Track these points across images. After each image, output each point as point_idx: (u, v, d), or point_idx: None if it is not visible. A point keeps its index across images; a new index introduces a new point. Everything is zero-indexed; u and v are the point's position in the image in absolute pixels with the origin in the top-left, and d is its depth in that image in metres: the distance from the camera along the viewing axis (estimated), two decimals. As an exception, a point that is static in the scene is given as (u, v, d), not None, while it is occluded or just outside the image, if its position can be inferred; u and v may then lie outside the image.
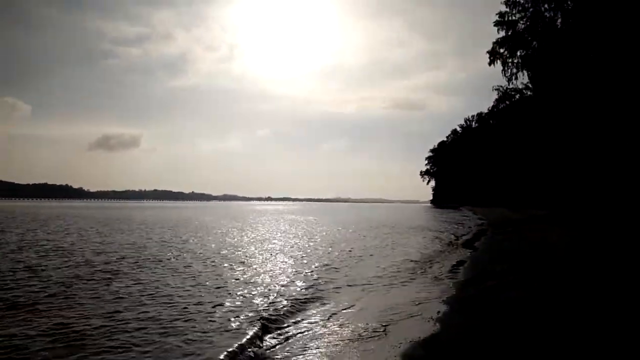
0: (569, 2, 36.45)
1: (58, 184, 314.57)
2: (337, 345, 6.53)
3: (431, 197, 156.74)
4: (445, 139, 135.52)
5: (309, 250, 18.64)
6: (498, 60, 42.38)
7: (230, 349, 6.19)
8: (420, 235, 27.78)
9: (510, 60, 41.96)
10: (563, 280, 9.82)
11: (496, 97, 53.18)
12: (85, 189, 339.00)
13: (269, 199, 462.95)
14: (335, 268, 13.91)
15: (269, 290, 10.35)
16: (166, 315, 7.96)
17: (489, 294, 9.24)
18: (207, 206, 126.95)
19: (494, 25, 41.43)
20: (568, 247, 15.96)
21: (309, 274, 12.77)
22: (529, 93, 45.53)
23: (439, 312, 8.03)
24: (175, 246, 19.05)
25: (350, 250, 18.73)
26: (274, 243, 21.72)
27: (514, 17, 40.40)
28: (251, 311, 8.32)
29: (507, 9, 40.35)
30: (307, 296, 9.84)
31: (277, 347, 6.56)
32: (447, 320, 7.46)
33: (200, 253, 16.94)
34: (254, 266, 14.00)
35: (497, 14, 41.02)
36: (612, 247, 15.20)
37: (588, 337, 5.83)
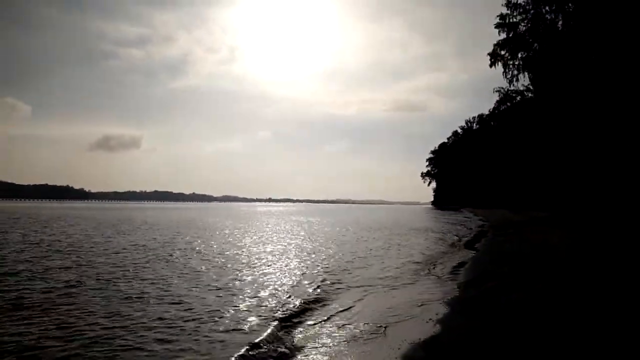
0: (570, 4, 36.49)
1: (58, 184, 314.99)
2: (337, 345, 6.56)
3: (432, 199, 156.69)
4: (446, 141, 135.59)
5: (313, 251, 18.71)
6: (499, 62, 42.40)
7: (239, 351, 6.26)
8: (423, 236, 27.84)
9: (511, 62, 41.99)
10: (564, 282, 9.83)
11: (497, 98, 53.19)
12: (86, 190, 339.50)
13: (270, 200, 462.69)
14: (340, 269, 13.98)
15: (276, 291, 10.41)
16: (176, 315, 8.03)
17: (490, 295, 9.26)
18: (208, 207, 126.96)
19: (495, 27, 41.49)
20: (569, 250, 15.96)
21: (314, 274, 12.87)
22: (530, 95, 45.52)
23: (440, 313, 8.06)
24: (182, 247, 19.13)
25: (354, 252, 18.80)
26: (280, 244, 21.79)
27: (514, 19, 40.42)
28: (257, 311, 8.38)
29: (508, 11, 40.39)
30: (311, 296, 9.89)
31: (278, 346, 6.60)
32: (447, 321, 7.49)
33: (207, 254, 17.05)
34: (261, 267, 14.08)
35: (497, 16, 41.08)
36: (613, 249, 15.20)
37: (589, 339, 5.85)
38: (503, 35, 41.42)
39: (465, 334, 6.69)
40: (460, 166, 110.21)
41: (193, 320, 7.73)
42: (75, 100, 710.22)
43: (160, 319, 7.77)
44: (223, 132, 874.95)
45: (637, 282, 9.31)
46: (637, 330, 6.10)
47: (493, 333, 6.44)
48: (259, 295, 9.89)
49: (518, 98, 48.62)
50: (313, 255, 17.26)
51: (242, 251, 18.31)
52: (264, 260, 15.63)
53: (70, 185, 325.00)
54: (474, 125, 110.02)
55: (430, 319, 7.63)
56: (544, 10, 38.65)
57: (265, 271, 13.23)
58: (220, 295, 9.82)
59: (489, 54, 42.88)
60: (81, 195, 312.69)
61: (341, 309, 8.86)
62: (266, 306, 8.83)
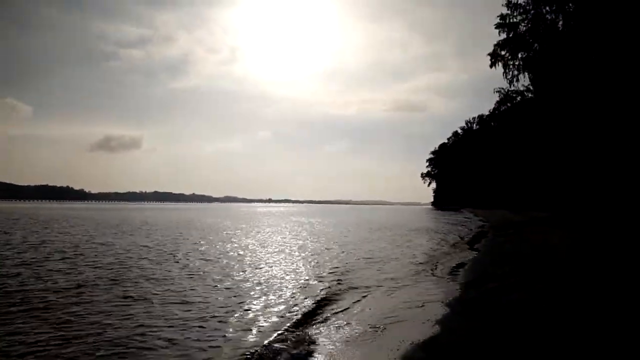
0: (570, 4, 36.47)
1: (59, 185, 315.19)
2: (337, 345, 6.52)
3: (432, 199, 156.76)
4: (446, 141, 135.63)
5: (315, 252, 18.76)
6: (499, 63, 42.40)
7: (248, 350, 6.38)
8: (425, 237, 27.86)
9: (511, 62, 41.99)
10: (565, 283, 9.79)
11: (497, 99, 53.23)
12: (86, 191, 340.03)
13: (270, 200, 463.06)
14: (342, 269, 14.00)
15: (278, 292, 10.45)
16: (183, 316, 8.10)
17: (491, 296, 9.22)
18: (209, 208, 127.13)
19: (495, 28, 41.49)
20: (569, 250, 15.92)
21: (317, 275, 12.96)
22: (530, 95, 45.52)
23: (440, 314, 8.01)
24: (186, 249, 19.17)
25: (356, 252, 18.88)
26: (282, 245, 21.84)
27: (515, 20, 40.42)
28: (258, 314, 8.43)
29: (508, 11, 40.39)
30: (312, 297, 9.88)
31: (278, 347, 6.57)
32: (448, 322, 7.44)
33: (210, 255, 17.15)
34: (266, 268, 14.11)
35: (498, 16, 41.09)
36: (613, 249, 15.16)
37: (589, 340, 5.81)
38: (503, 36, 41.48)
39: (465, 335, 6.65)
40: (460, 167, 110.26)
41: (201, 319, 7.85)
42: (76, 101, 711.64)
43: (165, 319, 7.86)
44: (223, 133, 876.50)
45: (637, 282, 9.27)
46: (638, 330, 6.06)
47: (493, 334, 6.40)
48: (258, 298, 9.89)
49: (518, 98, 48.65)
50: (316, 256, 17.30)
51: (245, 252, 18.37)
52: (266, 262, 15.64)
53: (70, 186, 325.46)
54: (474, 125, 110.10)
55: (430, 320, 7.58)
56: (544, 10, 38.64)
57: (268, 273, 13.23)
58: (228, 295, 9.94)
59: (489, 54, 42.93)
60: (81, 196, 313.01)
61: (341, 309, 8.83)
62: (268, 308, 8.85)
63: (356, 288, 11.04)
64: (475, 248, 20.38)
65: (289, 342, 6.77)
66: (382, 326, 7.44)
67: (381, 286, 11.32)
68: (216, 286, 10.89)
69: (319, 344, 6.64)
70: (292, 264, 15.26)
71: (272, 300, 9.51)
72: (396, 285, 11.42)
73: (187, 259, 15.72)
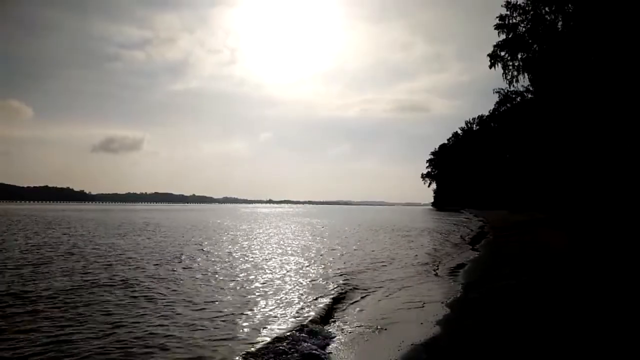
0: (569, 5, 36.52)
1: (60, 186, 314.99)
2: (338, 345, 6.59)
3: (432, 200, 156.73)
4: (446, 142, 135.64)
5: (319, 253, 18.98)
6: (499, 63, 42.42)
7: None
8: (427, 237, 27.99)
9: (511, 63, 41.99)
10: (565, 284, 9.86)
11: (497, 99, 53.23)
12: (88, 192, 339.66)
13: (270, 201, 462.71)
14: (346, 270, 14.16)
15: (284, 292, 10.53)
16: (193, 316, 8.19)
17: (491, 297, 9.29)
18: (210, 209, 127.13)
19: (495, 29, 41.51)
20: (570, 251, 15.99)
21: (322, 274, 13.18)
22: (529, 96, 45.54)
23: (441, 314, 8.08)
24: (192, 250, 19.27)
25: (359, 252, 19.18)
26: (286, 246, 22.00)
27: (514, 20, 40.45)
28: (268, 312, 8.49)
29: (508, 12, 40.44)
30: (314, 298, 9.95)
31: (282, 346, 6.63)
32: (448, 323, 7.51)
33: (216, 255, 17.40)
34: (272, 269, 14.27)
35: (497, 17, 41.14)
36: (613, 250, 15.23)
37: (592, 341, 5.87)
38: (503, 37, 41.49)
39: (466, 336, 6.71)
40: (460, 167, 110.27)
41: (213, 319, 8.01)
42: (77, 103, 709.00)
43: (173, 319, 7.98)
44: (224, 134, 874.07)
45: (637, 282, 9.33)
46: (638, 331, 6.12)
47: (494, 335, 6.46)
48: (265, 297, 9.97)
49: (518, 99, 48.62)
50: (320, 257, 17.44)
51: (251, 253, 18.57)
52: (272, 262, 15.81)
53: (71, 187, 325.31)
54: (474, 126, 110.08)
55: (431, 321, 7.65)
56: (543, 11, 38.67)
57: (274, 273, 13.35)
58: (236, 295, 10.13)
59: (489, 55, 42.95)
60: (82, 197, 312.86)
61: (342, 309, 8.91)
62: (275, 308, 8.94)
63: (358, 288, 11.12)
64: (476, 249, 20.47)
65: (288, 342, 6.85)
66: (383, 326, 7.51)
67: (385, 286, 11.42)
68: (222, 288, 10.95)
69: (320, 343, 6.71)
70: (297, 264, 15.38)
71: (278, 301, 9.61)
72: (398, 286, 11.48)
73: (193, 259, 15.94)
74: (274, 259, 16.61)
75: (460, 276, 12.58)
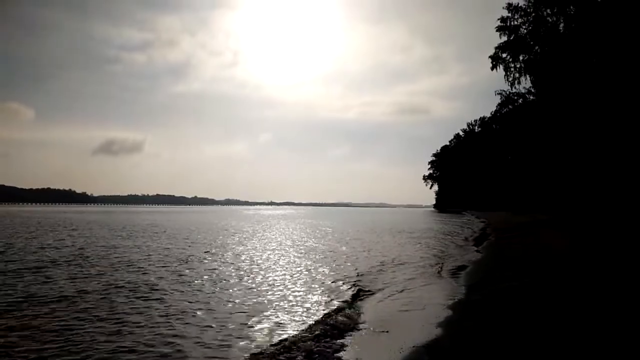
0: (571, 7, 36.56)
1: (61, 188, 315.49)
2: (339, 346, 6.62)
3: (434, 202, 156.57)
4: (448, 144, 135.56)
5: (324, 254, 19.24)
6: (500, 65, 42.50)
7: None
8: (431, 239, 28.03)
9: (512, 65, 42.07)
10: (567, 286, 9.87)
11: (499, 101, 53.24)
12: (89, 194, 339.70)
13: (271, 203, 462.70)
14: (351, 271, 14.31)
15: (288, 292, 10.60)
16: (204, 316, 8.33)
17: (493, 299, 9.31)
18: (212, 211, 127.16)
19: (496, 31, 41.57)
20: (571, 253, 15.98)
21: (327, 275, 13.40)
22: (531, 97, 45.56)
23: (443, 316, 8.10)
24: (197, 251, 19.37)
25: (364, 253, 19.44)
26: (293, 247, 22.26)
27: (516, 22, 40.51)
28: (278, 314, 8.56)
29: (509, 14, 40.50)
30: (317, 297, 10.02)
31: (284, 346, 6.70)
32: (450, 325, 7.53)
33: (223, 256, 17.62)
34: (280, 270, 14.39)
35: (499, 19, 41.21)
36: (615, 251, 15.22)
37: (594, 343, 5.89)
38: (504, 38, 41.54)
39: (468, 337, 6.73)
40: (462, 169, 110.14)
41: (223, 318, 8.23)
42: (78, 105, 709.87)
43: (181, 319, 8.14)
44: (225, 136, 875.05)
45: (638, 283, 9.34)
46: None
47: (496, 337, 6.48)
48: (271, 301, 10.03)
49: (520, 101, 48.64)
50: (326, 258, 17.59)
51: (259, 254, 18.83)
52: (280, 264, 15.98)
53: (72, 189, 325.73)
54: (476, 128, 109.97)
55: (433, 323, 7.68)
56: (545, 13, 38.71)
57: (283, 275, 13.46)
58: (246, 296, 10.31)
59: (490, 56, 43.00)
60: (83, 199, 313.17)
61: (346, 309, 8.95)
62: (284, 312, 8.98)
63: (360, 289, 11.16)
64: (479, 250, 20.49)
65: (290, 341, 6.89)
66: (385, 328, 7.54)
67: (386, 286, 11.48)
68: (229, 290, 11.03)
69: (321, 343, 6.74)
70: (303, 266, 15.48)
71: (289, 302, 9.72)
72: (400, 287, 11.50)
73: (200, 261, 16.06)
74: (281, 261, 16.80)
75: (463, 278, 12.60)
